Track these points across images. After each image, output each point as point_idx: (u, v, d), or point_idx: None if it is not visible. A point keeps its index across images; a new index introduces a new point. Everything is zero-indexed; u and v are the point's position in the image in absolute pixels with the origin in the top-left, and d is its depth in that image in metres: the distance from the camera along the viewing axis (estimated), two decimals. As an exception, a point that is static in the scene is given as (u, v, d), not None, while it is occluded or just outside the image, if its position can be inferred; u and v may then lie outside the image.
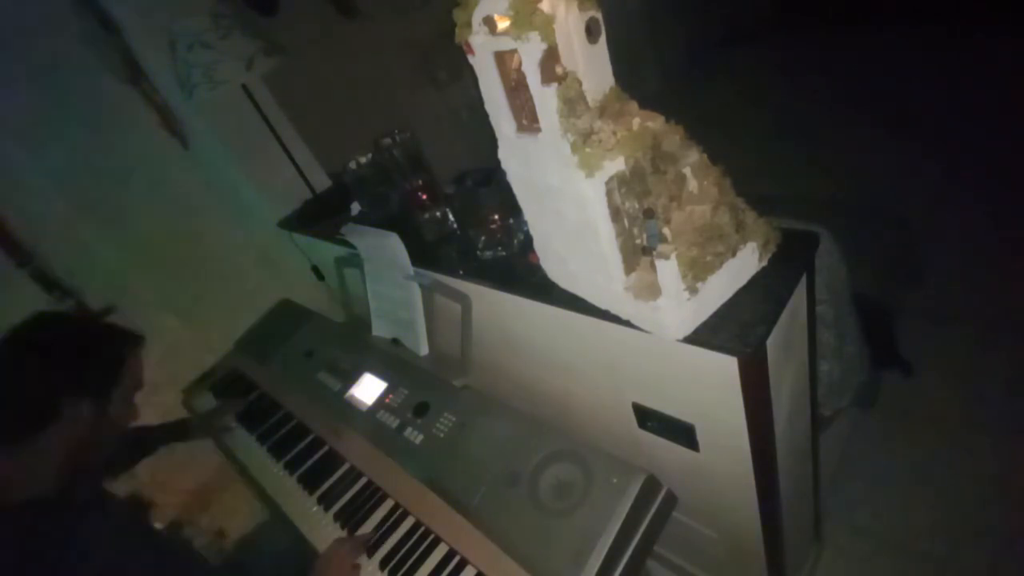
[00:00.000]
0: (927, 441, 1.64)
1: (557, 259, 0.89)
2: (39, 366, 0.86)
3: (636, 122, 0.69)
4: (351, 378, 1.35)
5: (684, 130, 0.72)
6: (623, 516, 0.85)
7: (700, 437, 0.92)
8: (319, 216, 1.60)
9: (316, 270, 1.84)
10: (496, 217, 1.04)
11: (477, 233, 1.07)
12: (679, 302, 0.71)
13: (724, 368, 0.74)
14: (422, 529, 1.04)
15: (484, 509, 0.97)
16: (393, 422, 1.20)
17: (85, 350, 0.91)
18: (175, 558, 0.97)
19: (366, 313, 1.40)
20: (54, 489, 0.83)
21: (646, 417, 0.99)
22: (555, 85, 0.63)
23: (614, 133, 0.68)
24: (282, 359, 1.55)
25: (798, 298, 0.82)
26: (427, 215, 1.21)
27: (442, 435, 1.11)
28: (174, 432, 1.44)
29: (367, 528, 1.09)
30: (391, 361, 1.32)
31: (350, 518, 1.12)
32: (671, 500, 0.92)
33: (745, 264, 0.77)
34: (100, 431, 0.91)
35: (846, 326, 1.42)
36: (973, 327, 1.86)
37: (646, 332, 0.78)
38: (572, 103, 0.65)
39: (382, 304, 1.35)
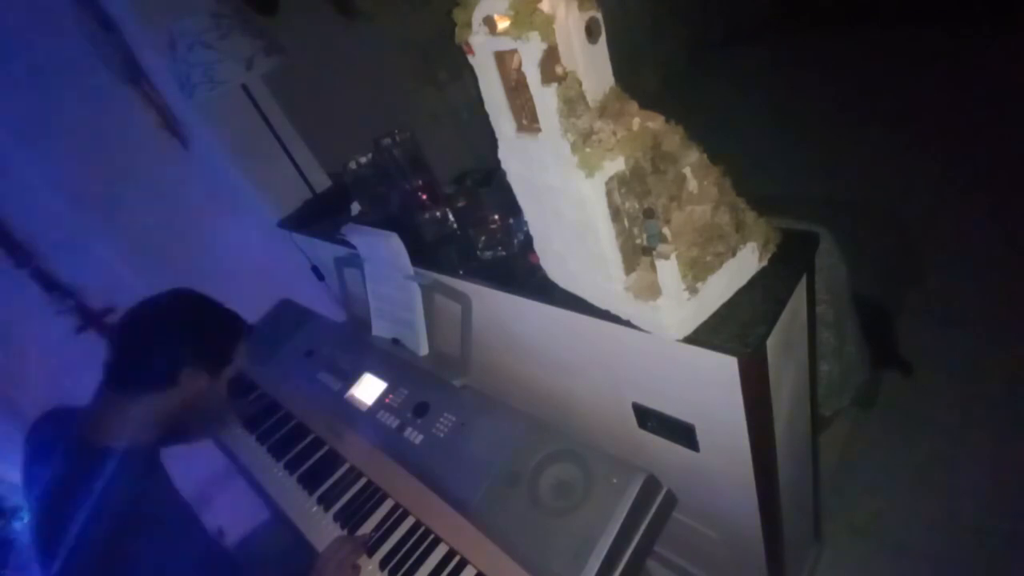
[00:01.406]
0: (927, 441, 1.64)
1: (557, 259, 0.89)
2: (170, 336, 0.96)
3: (636, 122, 0.69)
4: (351, 378, 1.35)
5: (684, 130, 0.72)
6: (623, 516, 0.85)
7: (700, 437, 0.92)
8: (319, 216, 1.60)
9: (316, 270, 1.84)
10: (496, 217, 1.04)
11: (477, 233, 1.07)
12: (679, 302, 0.71)
13: (724, 368, 0.74)
14: (422, 529, 1.04)
15: (484, 509, 0.97)
16: (393, 422, 1.20)
17: (210, 329, 1.02)
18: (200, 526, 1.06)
19: (366, 313, 1.40)
20: (147, 444, 0.95)
21: (646, 417, 0.99)
22: (555, 85, 0.63)
23: (614, 133, 0.68)
24: (282, 359, 1.55)
25: (798, 298, 0.82)
26: (427, 215, 1.21)
27: (442, 435, 1.11)
28: (204, 419, 1.45)
29: (367, 528, 1.09)
30: (391, 361, 1.32)
31: (350, 518, 1.12)
32: (671, 500, 0.92)
33: (745, 264, 0.77)
34: (205, 403, 1.01)
35: (846, 326, 1.42)
36: (973, 327, 1.86)
37: (646, 332, 0.78)
38: (572, 103, 0.65)
39: (382, 304, 1.35)
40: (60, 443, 0.93)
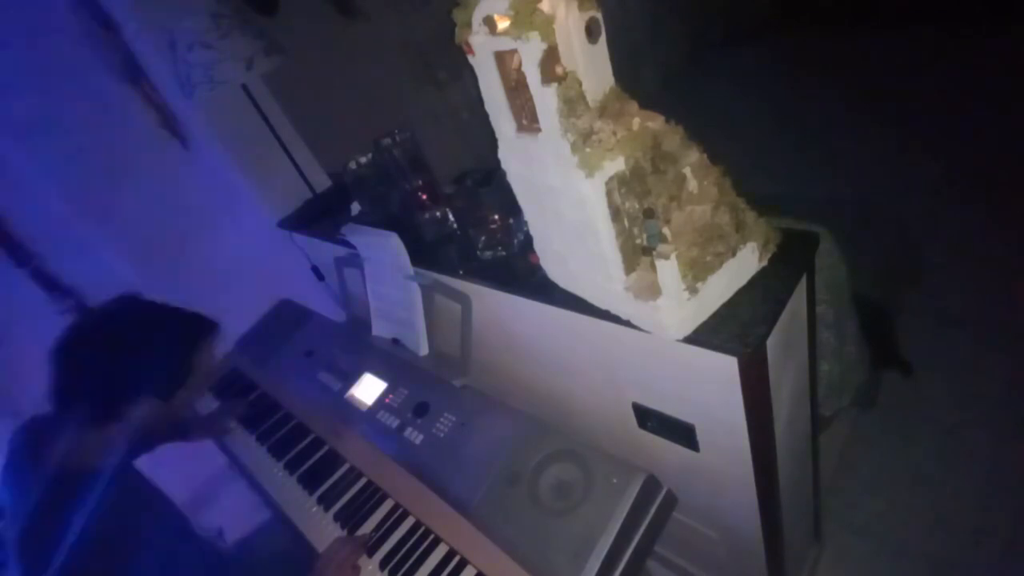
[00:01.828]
0: (927, 441, 1.64)
1: (557, 259, 0.89)
2: (106, 365, 0.85)
3: (636, 122, 0.69)
4: (351, 378, 1.35)
5: (684, 130, 0.72)
6: (623, 516, 0.85)
7: (700, 437, 0.92)
8: (319, 216, 1.60)
9: (316, 270, 1.84)
10: (496, 217, 1.04)
11: (477, 233, 1.07)
12: (679, 302, 0.71)
13: (724, 368, 0.74)
14: (422, 529, 1.04)
15: (484, 509, 0.97)
16: (393, 422, 1.20)
17: (158, 347, 0.89)
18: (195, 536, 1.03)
19: (366, 313, 1.40)
20: (123, 458, 0.87)
21: (646, 417, 0.99)
22: (555, 85, 0.63)
23: (614, 133, 0.68)
24: (282, 359, 1.55)
25: (798, 298, 0.82)
26: (427, 215, 1.21)
27: (442, 435, 1.11)
28: (175, 430, 1.44)
29: (367, 528, 1.09)
30: (391, 361, 1.32)
31: (350, 518, 1.12)
32: (671, 500, 0.92)
33: (745, 264, 0.77)
34: (164, 421, 0.92)
35: (846, 326, 1.42)
36: (973, 327, 1.86)
37: (646, 332, 0.78)
38: (572, 103, 0.65)
39: (382, 304, 1.35)
40: (32, 462, 0.86)
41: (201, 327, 0.98)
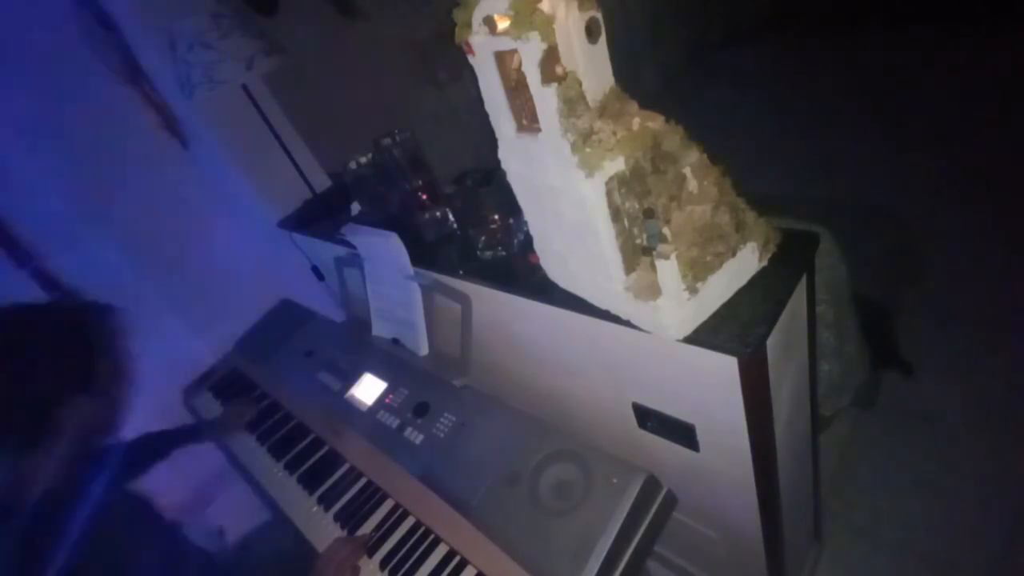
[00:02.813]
0: (927, 441, 1.64)
1: (557, 259, 0.89)
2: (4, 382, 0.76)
3: (636, 122, 0.69)
4: (351, 378, 1.35)
5: (684, 130, 0.72)
6: (623, 516, 0.85)
7: (700, 437, 0.92)
8: (319, 216, 1.60)
9: (316, 270, 1.84)
10: (496, 217, 1.04)
11: (477, 233, 1.07)
12: (679, 302, 0.71)
13: (724, 368, 0.74)
14: (422, 529, 1.04)
15: (484, 509, 0.97)
16: (393, 422, 1.20)
17: (42, 351, 0.79)
18: (186, 549, 0.98)
19: (366, 313, 1.40)
20: (63, 480, 0.78)
21: (646, 417, 0.99)
22: (555, 85, 0.63)
23: (614, 133, 0.68)
24: (282, 359, 1.55)
25: (798, 298, 0.82)
26: (427, 215, 1.21)
27: (442, 435, 1.11)
28: (187, 436, 1.44)
29: (367, 528, 1.09)
30: (391, 361, 1.32)
31: (350, 518, 1.12)
32: (671, 500, 0.92)
33: (745, 264, 0.77)
34: (105, 417, 0.84)
35: (846, 326, 1.42)
36: (973, 327, 1.86)
37: (646, 332, 0.78)
38: (572, 103, 0.65)
39: (382, 304, 1.35)
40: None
41: (86, 312, 0.90)
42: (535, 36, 0.61)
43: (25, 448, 0.76)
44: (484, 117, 0.78)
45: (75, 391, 0.80)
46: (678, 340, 0.75)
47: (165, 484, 1.05)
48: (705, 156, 0.73)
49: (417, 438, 1.14)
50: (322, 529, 1.13)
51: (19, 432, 0.76)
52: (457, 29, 0.71)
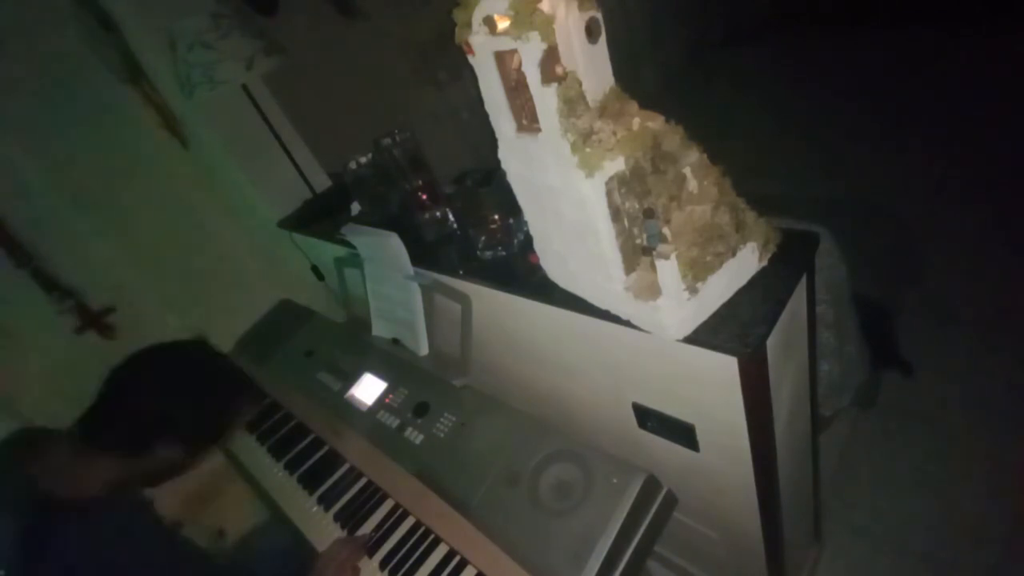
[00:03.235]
0: (927, 441, 1.64)
1: (557, 259, 0.89)
2: (159, 399, 0.87)
3: (636, 122, 0.69)
4: (351, 378, 1.35)
5: (684, 130, 0.72)
6: (623, 516, 0.85)
7: (700, 437, 0.92)
8: (319, 216, 1.60)
9: (316, 270, 1.84)
10: (496, 217, 1.04)
11: (477, 233, 1.07)
12: (679, 302, 0.71)
13: (724, 368, 0.74)
14: (422, 529, 1.04)
15: (484, 509, 0.97)
16: (393, 422, 1.20)
17: (201, 405, 0.92)
18: (185, 552, 0.99)
19: (366, 313, 1.40)
20: (93, 498, 0.83)
21: (646, 417, 0.99)
22: (555, 85, 0.63)
23: (614, 133, 0.68)
24: (282, 359, 1.55)
25: (798, 298, 0.82)
26: (427, 215, 1.21)
27: (442, 435, 1.11)
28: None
29: (367, 528, 1.09)
30: (391, 361, 1.32)
31: (350, 518, 1.12)
32: (671, 500, 0.92)
33: (745, 264, 0.77)
34: (171, 472, 0.92)
35: (846, 326, 1.42)
36: (973, 327, 1.86)
37: (646, 332, 0.78)
38: (572, 103, 0.65)
39: (382, 304, 1.35)
40: (20, 481, 0.81)
41: (250, 393, 1.03)
42: (535, 36, 0.61)
43: (110, 449, 0.85)
44: (484, 117, 0.78)
45: (183, 443, 0.90)
46: (678, 340, 0.75)
47: (165, 484, 1.05)
48: (705, 156, 0.73)
49: (417, 438, 1.14)
50: (322, 529, 1.13)
51: (120, 435, 0.85)
52: (457, 29, 0.71)
